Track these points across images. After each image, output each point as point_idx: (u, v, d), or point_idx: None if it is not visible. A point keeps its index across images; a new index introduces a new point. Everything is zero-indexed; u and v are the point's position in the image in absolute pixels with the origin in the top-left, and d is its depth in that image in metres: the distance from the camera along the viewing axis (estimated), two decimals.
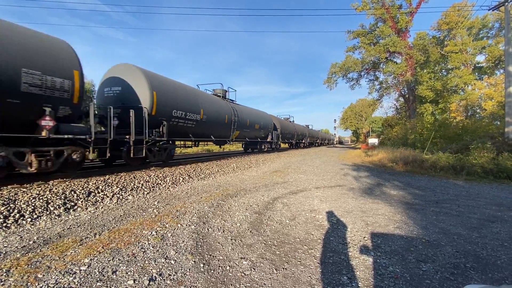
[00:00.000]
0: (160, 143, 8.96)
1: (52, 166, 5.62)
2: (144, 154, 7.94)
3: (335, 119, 73.31)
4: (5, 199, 4.12)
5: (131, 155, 7.53)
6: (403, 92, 29.25)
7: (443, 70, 33.14)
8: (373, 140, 32.59)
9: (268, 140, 19.86)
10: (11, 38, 4.87)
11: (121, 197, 5.33)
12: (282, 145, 27.86)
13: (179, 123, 9.45)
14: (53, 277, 2.26)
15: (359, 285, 2.28)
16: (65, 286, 2.14)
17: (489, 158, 9.40)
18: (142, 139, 7.73)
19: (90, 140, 6.17)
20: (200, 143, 12.67)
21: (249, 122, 15.68)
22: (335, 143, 70.82)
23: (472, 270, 2.58)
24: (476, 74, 32.79)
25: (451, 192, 6.56)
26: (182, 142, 11.42)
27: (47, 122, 5.28)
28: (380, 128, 53.47)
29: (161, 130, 8.59)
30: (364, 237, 3.41)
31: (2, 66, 4.57)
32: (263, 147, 19.86)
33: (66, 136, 5.71)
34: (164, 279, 2.29)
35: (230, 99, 15.03)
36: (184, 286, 2.20)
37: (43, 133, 5.26)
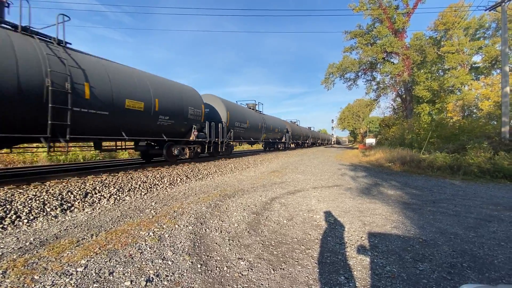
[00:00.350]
0: (228, 143, 13.96)
1: (192, 155, 11.07)
2: (223, 149, 13.33)
3: (332, 119, 73.75)
4: (2, 200, 4.09)
5: (218, 150, 13.04)
6: (400, 92, 29.39)
7: (440, 71, 33.32)
8: (371, 140, 32.68)
9: (282, 140, 24.48)
10: (183, 92, 10.13)
11: (118, 198, 5.31)
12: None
13: (237, 130, 14.56)
14: (49, 279, 2.25)
15: (356, 285, 2.29)
16: (62, 287, 2.13)
17: (486, 158, 9.47)
18: (222, 141, 12.84)
19: (206, 142, 11.65)
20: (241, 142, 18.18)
21: (272, 127, 20.23)
22: (332, 143, 71.02)
23: (469, 269, 2.59)
24: (473, 74, 33.02)
25: (448, 191, 6.59)
26: (234, 143, 16.15)
27: (194, 132, 10.41)
28: (378, 128, 53.67)
29: (229, 135, 13.68)
30: (362, 237, 3.42)
31: (182, 106, 9.67)
32: (279, 146, 24.62)
33: (198, 140, 10.90)
34: (161, 280, 2.29)
35: (258, 110, 19.73)
36: (181, 287, 2.19)
37: (191, 138, 10.44)
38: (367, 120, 72.59)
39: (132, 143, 9.32)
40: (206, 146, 11.84)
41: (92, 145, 8.27)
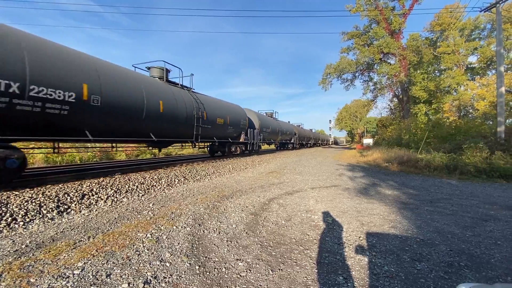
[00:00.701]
0: (258, 144, 18.33)
1: (239, 152, 15.87)
2: (256, 148, 17.68)
3: (330, 120, 73.92)
4: None
5: (254, 149, 17.36)
6: (397, 93, 29.57)
7: (436, 71, 33.57)
8: (368, 141, 32.80)
9: (291, 141, 25.95)
10: (237, 109, 14.99)
11: (115, 199, 5.28)
12: (265, 146, 29.01)
13: (264, 134, 19.26)
14: (45, 282, 2.22)
15: (354, 285, 2.29)
16: None
17: (482, 158, 9.54)
18: (256, 142, 17.42)
19: (248, 143, 16.31)
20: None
21: (284, 131, 23.86)
22: (330, 143, 71.20)
23: (466, 268, 2.60)
24: (469, 74, 33.33)
25: (445, 191, 6.63)
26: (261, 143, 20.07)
27: (243, 136, 15.30)
28: (375, 129, 53.90)
29: (260, 138, 18.25)
30: (360, 237, 3.43)
31: (239, 119, 14.61)
32: (289, 146, 26.10)
33: (244, 141, 15.58)
34: (159, 282, 2.27)
35: (275, 118, 24.09)
36: None
37: (241, 139, 15.17)
38: (364, 121, 72.86)
39: (209, 143, 13.62)
40: (248, 146, 16.59)
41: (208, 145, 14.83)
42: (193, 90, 11.47)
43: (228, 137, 14.07)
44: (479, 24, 32.46)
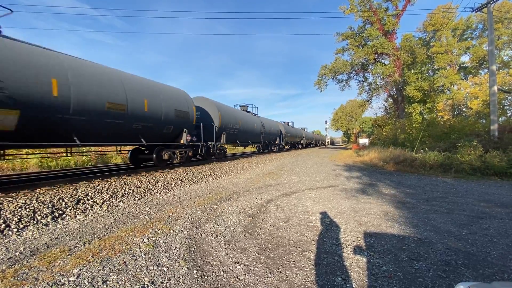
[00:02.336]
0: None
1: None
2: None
3: (326, 120, 74.29)
4: None
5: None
6: (391, 93, 29.78)
7: (430, 71, 33.95)
8: (364, 141, 32.97)
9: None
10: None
11: (111, 204, 5.22)
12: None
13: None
14: None
15: (353, 285, 2.29)
16: None
17: (477, 156, 9.64)
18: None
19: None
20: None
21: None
22: (326, 144, 71.46)
23: (463, 266, 2.62)
24: (461, 74, 33.73)
25: (440, 190, 6.69)
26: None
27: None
28: (370, 129, 54.24)
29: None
30: (357, 237, 3.43)
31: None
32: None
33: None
34: (156, 287, 2.24)
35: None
36: None
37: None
38: (360, 121, 73.28)
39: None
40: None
41: None
42: None
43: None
44: (471, 24, 32.94)
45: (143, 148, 9.65)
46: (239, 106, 19.15)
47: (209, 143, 12.34)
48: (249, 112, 19.33)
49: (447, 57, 30.04)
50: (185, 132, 10.08)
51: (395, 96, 28.61)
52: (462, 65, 34.46)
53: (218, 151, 13.50)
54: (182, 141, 10.11)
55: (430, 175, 9.28)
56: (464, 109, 31.40)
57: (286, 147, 30.28)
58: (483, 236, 3.46)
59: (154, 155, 9.08)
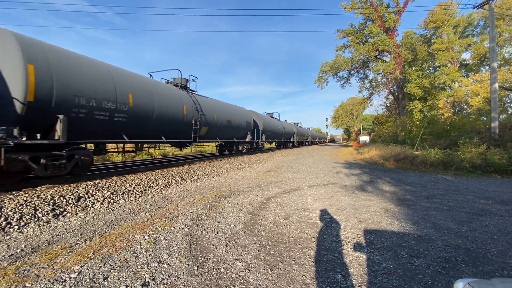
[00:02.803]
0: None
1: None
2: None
3: (326, 118, 74.19)
4: None
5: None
6: (392, 90, 29.71)
7: (431, 68, 33.80)
8: (364, 138, 32.98)
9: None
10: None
11: (112, 201, 5.23)
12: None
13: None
14: (42, 286, 2.19)
15: (353, 282, 2.30)
16: None
17: (478, 153, 9.64)
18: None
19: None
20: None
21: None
22: (327, 141, 71.46)
23: (463, 263, 2.63)
24: (463, 71, 33.57)
25: (441, 187, 6.69)
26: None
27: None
28: (371, 126, 54.17)
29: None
30: (357, 234, 3.44)
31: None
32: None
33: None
34: (157, 284, 2.26)
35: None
36: None
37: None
38: (360, 118, 73.18)
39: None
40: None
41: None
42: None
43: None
44: (472, 21, 32.70)
45: (223, 144, 15.67)
46: (266, 113, 24.48)
47: (257, 140, 18.60)
48: (276, 118, 25.61)
49: (448, 54, 29.87)
50: (249, 134, 16.66)
51: (396, 94, 28.54)
52: (463, 62, 34.31)
53: (260, 146, 20.05)
54: (247, 139, 16.64)
55: (431, 173, 9.28)
56: (465, 107, 31.31)
57: (297, 143, 34.48)
58: (483, 233, 3.46)
59: (234, 147, 15.94)
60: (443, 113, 28.61)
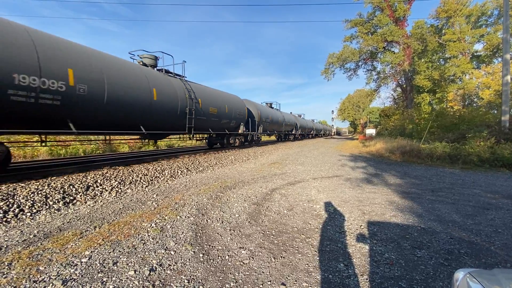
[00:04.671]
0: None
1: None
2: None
3: (332, 110, 73.52)
4: (4, 194, 4.13)
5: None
6: (400, 82, 29.18)
7: (441, 59, 32.99)
8: (371, 131, 32.64)
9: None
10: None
11: (119, 190, 5.35)
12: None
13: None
14: (54, 269, 2.29)
15: (355, 271, 2.34)
16: (67, 277, 2.17)
17: (487, 147, 9.49)
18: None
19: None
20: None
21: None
22: (332, 134, 71.01)
23: (466, 255, 2.64)
24: (474, 63, 32.68)
25: (447, 180, 6.64)
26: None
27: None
28: (378, 119, 53.50)
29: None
30: (361, 225, 3.47)
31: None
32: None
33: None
34: (164, 269, 2.34)
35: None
36: (184, 275, 2.24)
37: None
38: (367, 111, 72.28)
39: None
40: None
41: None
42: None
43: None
44: (486, 11, 31.55)
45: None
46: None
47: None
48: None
49: (459, 45, 29.03)
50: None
51: (404, 86, 28.04)
52: (475, 54, 33.34)
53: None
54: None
55: (437, 166, 9.19)
56: (475, 99, 30.61)
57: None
58: (488, 226, 3.45)
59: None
60: (452, 106, 28.04)
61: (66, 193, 4.67)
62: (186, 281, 2.17)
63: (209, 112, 11.38)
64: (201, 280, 2.19)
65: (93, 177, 5.67)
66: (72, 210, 4.18)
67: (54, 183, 4.94)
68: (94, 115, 6.51)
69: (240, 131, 14.80)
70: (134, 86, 7.43)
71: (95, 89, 6.26)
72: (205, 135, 14.17)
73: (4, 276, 2.19)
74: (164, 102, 8.62)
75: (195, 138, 12.70)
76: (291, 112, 30.04)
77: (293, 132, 27.99)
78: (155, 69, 9.40)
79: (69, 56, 5.83)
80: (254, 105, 17.40)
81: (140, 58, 9.21)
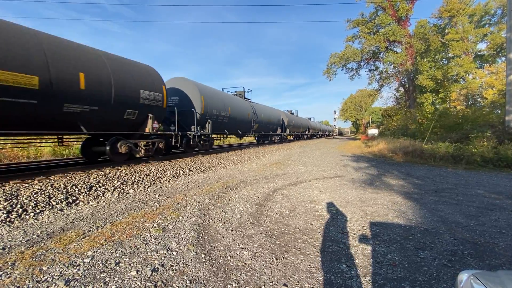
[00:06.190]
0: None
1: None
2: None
3: (334, 110, 73.07)
4: (8, 195, 4.15)
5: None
6: (403, 82, 29.04)
7: (444, 59, 32.76)
8: (373, 131, 32.50)
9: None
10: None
11: (122, 191, 5.37)
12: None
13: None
14: (57, 269, 2.30)
15: (358, 272, 2.33)
16: (70, 277, 2.18)
17: (490, 147, 9.42)
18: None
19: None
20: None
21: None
22: (334, 134, 70.82)
23: (470, 257, 2.62)
24: (477, 62, 32.43)
25: (450, 181, 6.59)
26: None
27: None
28: (380, 119, 53.29)
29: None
30: (363, 226, 3.45)
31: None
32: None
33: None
34: (166, 270, 2.34)
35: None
36: (186, 276, 2.24)
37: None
38: (369, 111, 72.04)
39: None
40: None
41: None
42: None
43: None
44: (489, 10, 31.31)
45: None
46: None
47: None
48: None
49: (462, 44, 28.84)
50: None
51: (407, 86, 27.91)
52: (478, 53, 33.11)
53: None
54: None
55: (440, 166, 9.13)
56: (478, 99, 30.38)
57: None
58: (492, 227, 3.42)
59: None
60: (455, 106, 27.85)
61: (69, 193, 4.69)
62: (188, 281, 2.17)
63: (262, 121, 17.03)
64: (203, 280, 2.19)
65: (96, 177, 5.70)
66: (75, 210, 4.20)
67: (57, 184, 4.96)
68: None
69: (278, 132, 21.15)
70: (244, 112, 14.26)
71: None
72: (258, 135, 19.64)
73: (8, 276, 2.20)
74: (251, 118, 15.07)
75: (254, 135, 18.56)
76: (309, 118, 37.17)
77: (306, 133, 34.43)
78: (243, 98, 16.10)
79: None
80: (284, 114, 24.11)
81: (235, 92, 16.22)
